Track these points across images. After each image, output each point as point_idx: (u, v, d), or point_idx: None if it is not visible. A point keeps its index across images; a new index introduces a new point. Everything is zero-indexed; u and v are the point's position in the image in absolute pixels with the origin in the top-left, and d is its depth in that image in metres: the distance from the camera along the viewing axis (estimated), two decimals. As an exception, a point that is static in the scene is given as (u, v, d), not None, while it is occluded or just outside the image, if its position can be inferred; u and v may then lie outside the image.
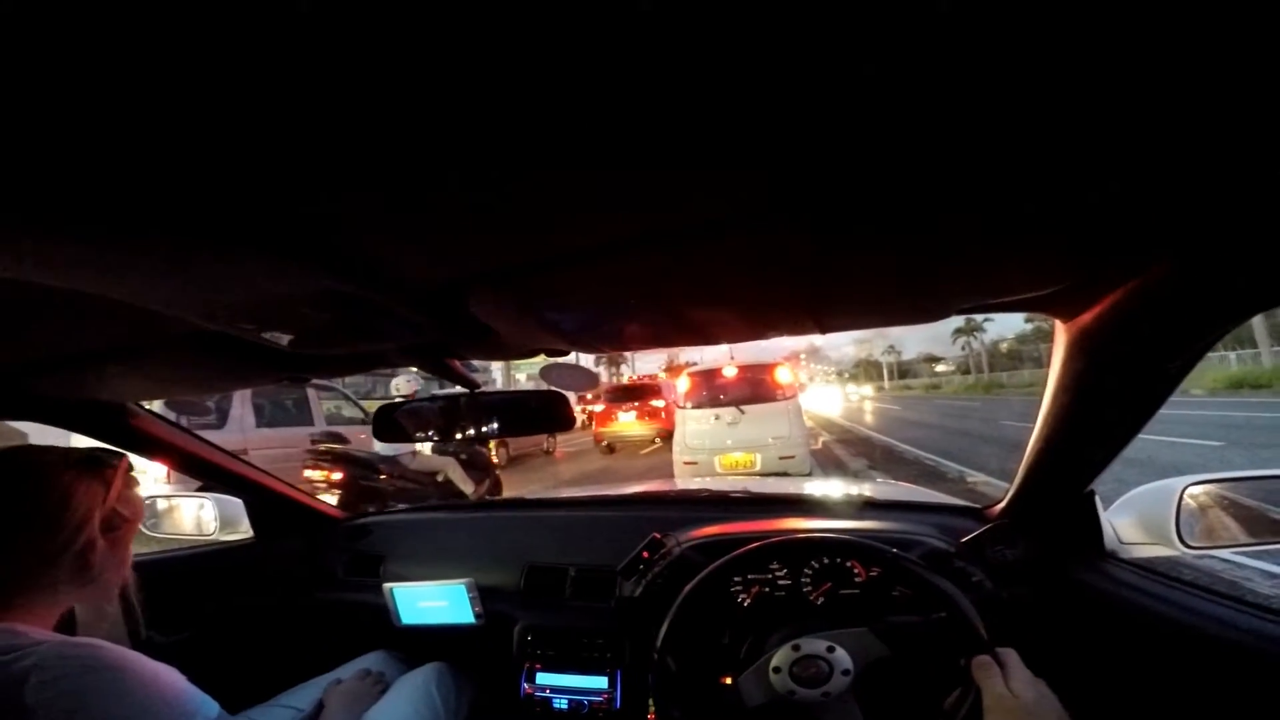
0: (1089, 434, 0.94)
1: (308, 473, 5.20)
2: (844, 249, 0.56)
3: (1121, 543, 1.07)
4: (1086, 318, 0.74)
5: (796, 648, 0.97)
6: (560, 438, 12.88)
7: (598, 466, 10.90)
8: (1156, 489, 1.05)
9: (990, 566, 1.16)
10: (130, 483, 0.90)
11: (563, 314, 0.74)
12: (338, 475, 5.09)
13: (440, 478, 5.45)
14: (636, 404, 11.97)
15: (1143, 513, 1.07)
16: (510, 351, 0.90)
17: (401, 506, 1.97)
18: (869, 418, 20.80)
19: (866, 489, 2.11)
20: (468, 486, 5.55)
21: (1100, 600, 1.02)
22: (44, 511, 0.78)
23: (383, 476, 5.21)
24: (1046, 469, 1.05)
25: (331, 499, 4.89)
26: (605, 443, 12.22)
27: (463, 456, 5.64)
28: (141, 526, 1.60)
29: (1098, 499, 1.08)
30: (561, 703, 1.32)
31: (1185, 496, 1.01)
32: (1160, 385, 0.79)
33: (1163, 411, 0.85)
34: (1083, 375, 0.83)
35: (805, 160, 0.40)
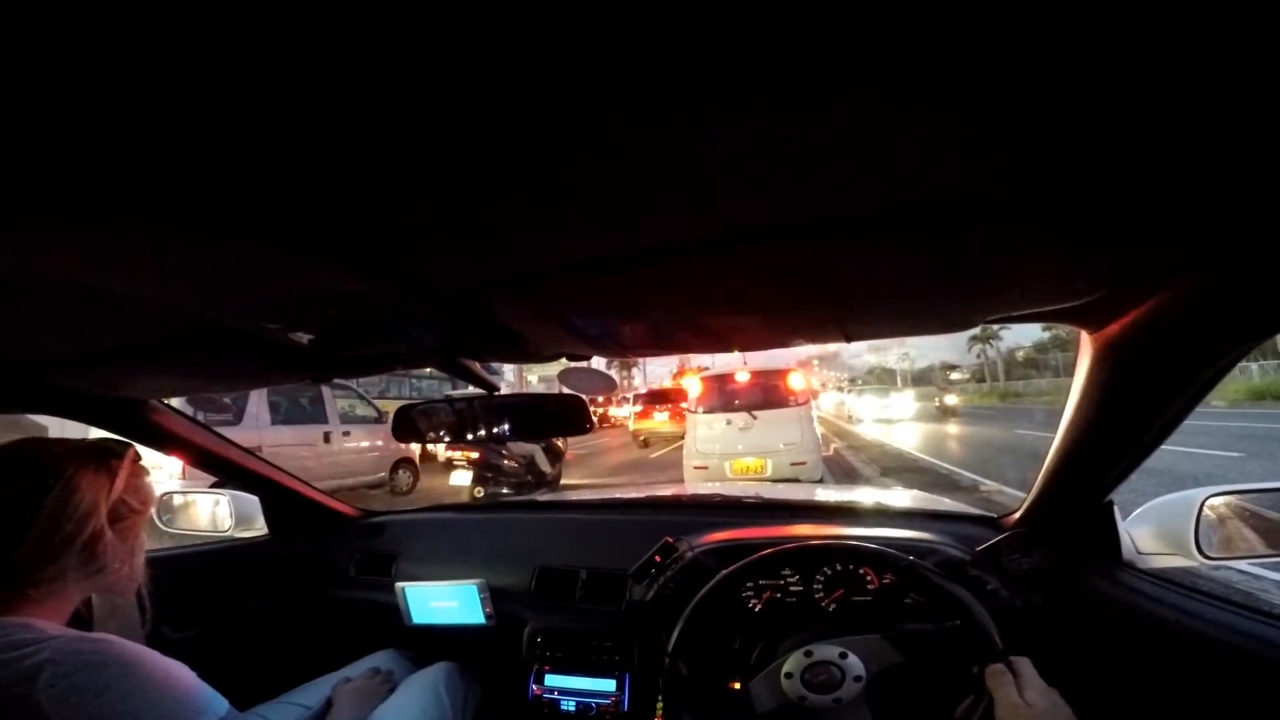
0: (1111, 444, 0.93)
1: (450, 452, 6.78)
2: (876, 262, 0.56)
3: (1139, 553, 1.06)
4: (1113, 329, 0.74)
5: (809, 653, 0.96)
6: (571, 439, 13.27)
7: (609, 465, 11.07)
8: (1176, 500, 1.03)
9: (1006, 575, 1.15)
10: (138, 473, 0.90)
11: (586, 319, 0.74)
12: (474, 455, 6.46)
13: (527, 459, 6.85)
14: (669, 406, 13.76)
15: (1161, 523, 1.05)
16: (531, 355, 0.90)
17: (413, 507, 1.98)
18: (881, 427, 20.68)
19: (880, 496, 2.10)
20: (547, 468, 7.04)
21: (1116, 610, 1.00)
22: (50, 503, 0.78)
23: (502, 455, 6.59)
24: (1066, 478, 1.04)
25: (468, 474, 6.49)
26: (642, 437, 14.25)
27: (543, 444, 7.02)
28: (157, 522, 1.63)
29: (1116, 508, 1.07)
30: (569, 704, 1.32)
31: (1205, 507, 1.00)
32: (1186, 397, 0.78)
33: (1184, 422, 0.84)
34: (1107, 386, 0.83)
35: (832, 173, 0.40)
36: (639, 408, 15.17)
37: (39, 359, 0.86)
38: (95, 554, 0.81)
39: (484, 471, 6.48)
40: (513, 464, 6.68)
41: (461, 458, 6.57)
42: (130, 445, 0.90)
